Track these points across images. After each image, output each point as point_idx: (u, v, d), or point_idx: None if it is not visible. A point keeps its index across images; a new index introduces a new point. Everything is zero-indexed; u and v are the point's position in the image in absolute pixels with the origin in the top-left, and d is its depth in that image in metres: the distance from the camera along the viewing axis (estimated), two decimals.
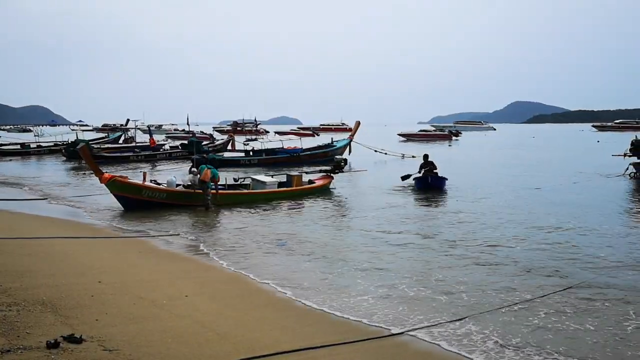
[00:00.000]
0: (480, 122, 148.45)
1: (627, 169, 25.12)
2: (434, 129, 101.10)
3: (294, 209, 17.56)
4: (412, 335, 6.85)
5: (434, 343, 6.63)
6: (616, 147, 39.92)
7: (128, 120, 52.61)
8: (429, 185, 21.04)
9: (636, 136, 25.45)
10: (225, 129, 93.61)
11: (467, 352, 6.40)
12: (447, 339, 6.75)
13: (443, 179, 21.57)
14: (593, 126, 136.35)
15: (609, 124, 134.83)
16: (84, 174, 29.14)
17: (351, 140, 38.44)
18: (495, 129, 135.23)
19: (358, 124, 40.16)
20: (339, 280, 9.35)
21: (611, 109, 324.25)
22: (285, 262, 10.69)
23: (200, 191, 17.46)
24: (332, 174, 21.70)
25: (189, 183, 18.01)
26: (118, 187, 17.39)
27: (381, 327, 7.12)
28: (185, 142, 39.55)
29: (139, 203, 17.29)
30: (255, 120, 53.98)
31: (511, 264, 10.33)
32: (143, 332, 6.35)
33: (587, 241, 12.24)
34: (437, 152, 48.90)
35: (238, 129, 66.86)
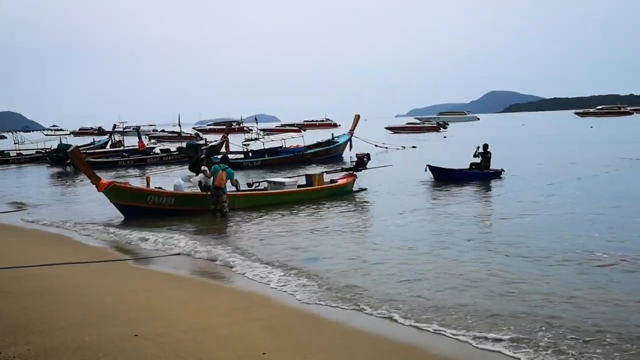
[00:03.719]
0: (464, 112, 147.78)
1: None
2: (419, 121, 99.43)
3: (319, 212, 15.34)
4: None
5: None
6: (611, 133, 38.97)
7: (115, 125, 49.61)
8: (444, 177, 20.47)
9: None
10: (206, 129, 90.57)
11: None
12: None
13: (453, 171, 20.96)
14: (575, 113, 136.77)
15: (591, 110, 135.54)
16: (74, 180, 26.57)
17: (352, 135, 36.37)
18: (479, 119, 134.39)
19: (357, 117, 38.05)
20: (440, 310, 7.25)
21: (585, 96, 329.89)
22: (351, 282, 8.52)
23: (210, 193, 15.18)
24: (355, 172, 19.46)
25: (198, 184, 15.84)
26: (118, 195, 15.07)
27: None
28: (182, 145, 36.83)
29: (143, 211, 14.95)
30: (256, 119, 50.38)
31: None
32: None
33: None
34: (435, 146, 47.26)
35: (234, 127, 63.52)
